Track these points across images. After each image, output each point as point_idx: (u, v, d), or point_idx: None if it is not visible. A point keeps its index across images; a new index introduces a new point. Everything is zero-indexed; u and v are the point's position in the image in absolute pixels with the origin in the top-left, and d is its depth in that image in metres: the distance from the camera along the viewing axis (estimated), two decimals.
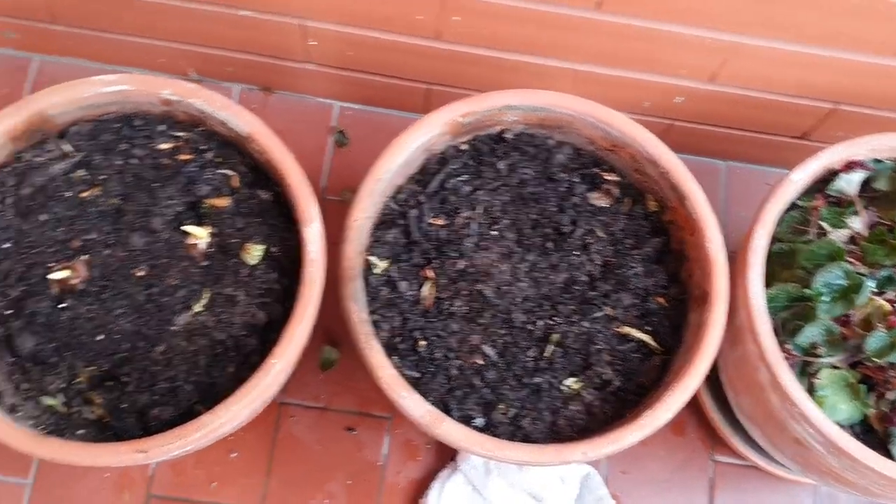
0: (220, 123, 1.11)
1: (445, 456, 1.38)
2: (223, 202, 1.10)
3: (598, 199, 1.18)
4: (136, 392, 1.02)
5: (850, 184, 1.14)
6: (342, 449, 1.38)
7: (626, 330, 1.12)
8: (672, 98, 1.38)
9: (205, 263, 1.09)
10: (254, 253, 1.07)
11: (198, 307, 1.06)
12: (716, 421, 1.36)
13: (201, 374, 1.04)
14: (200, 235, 1.09)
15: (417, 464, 1.39)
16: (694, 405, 1.42)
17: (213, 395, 1.03)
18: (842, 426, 1.07)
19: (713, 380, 1.32)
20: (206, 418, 0.96)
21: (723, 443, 1.41)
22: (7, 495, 1.32)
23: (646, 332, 1.12)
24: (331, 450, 1.38)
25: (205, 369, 1.04)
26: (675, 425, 1.45)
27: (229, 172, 1.13)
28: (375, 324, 1.10)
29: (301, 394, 1.40)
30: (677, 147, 1.53)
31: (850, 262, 1.10)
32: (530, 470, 1.32)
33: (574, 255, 1.15)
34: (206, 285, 1.07)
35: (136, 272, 1.08)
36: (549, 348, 1.10)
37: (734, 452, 1.40)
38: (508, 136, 1.20)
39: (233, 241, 1.09)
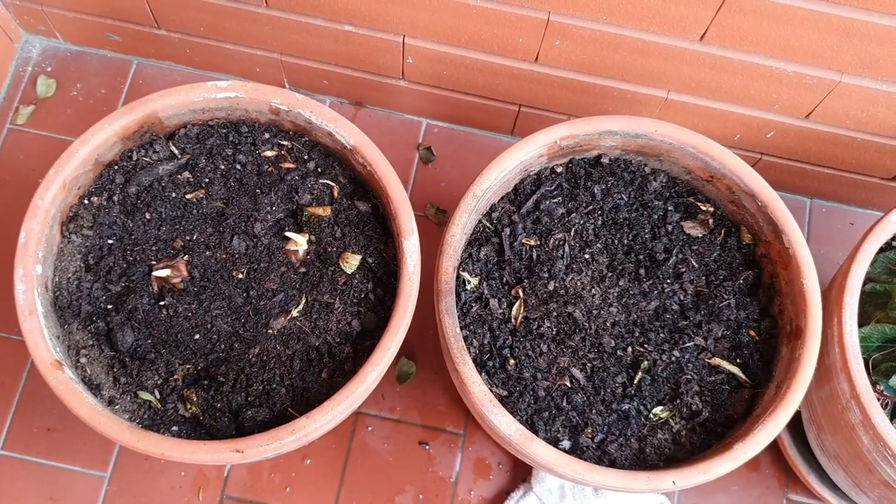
0: (327, 135, 1.14)
1: (518, 477, 1.38)
2: (324, 211, 1.13)
3: (693, 229, 1.18)
4: (231, 392, 1.04)
5: None
6: (415, 462, 1.39)
7: (717, 361, 1.11)
8: (764, 133, 1.38)
9: (303, 270, 1.11)
10: (351, 262, 1.09)
11: (295, 312, 1.08)
12: (793, 458, 1.35)
13: (295, 379, 1.06)
14: (300, 242, 1.11)
15: (489, 483, 1.39)
16: (771, 442, 1.41)
17: (305, 399, 1.05)
18: None
19: (793, 417, 1.30)
20: (302, 422, 0.98)
21: (798, 481, 1.39)
22: (85, 486, 1.35)
23: (736, 364, 1.11)
24: (404, 462, 1.39)
25: (299, 374, 1.06)
26: (751, 461, 1.43)
27: (330, 182, 1.15)
28: (465, 339, 1.11)
29: (377, 405, 1.42)
30: None
31: None
32: (606, 496, 1.31)
33: (667, 283, 1.15)
34: (303, 291, 1.10)
35: (236, 274, 1.10)
36: (639, 375, 1.10)
37: (810, 492, 1.38)
38: (605, 160, 1.21)
39: (331, 249, 1.11)
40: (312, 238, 1.12)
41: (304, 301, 1.09)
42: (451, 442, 1.41)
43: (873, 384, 1.08)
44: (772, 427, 1.02)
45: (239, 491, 1.36)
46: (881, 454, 1.03)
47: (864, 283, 1.16)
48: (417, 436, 1.41)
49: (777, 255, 1.13)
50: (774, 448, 1.40)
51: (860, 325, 1.11)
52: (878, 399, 1.06)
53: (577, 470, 1.00)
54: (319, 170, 1.17)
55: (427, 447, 1.40)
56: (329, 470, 1.38)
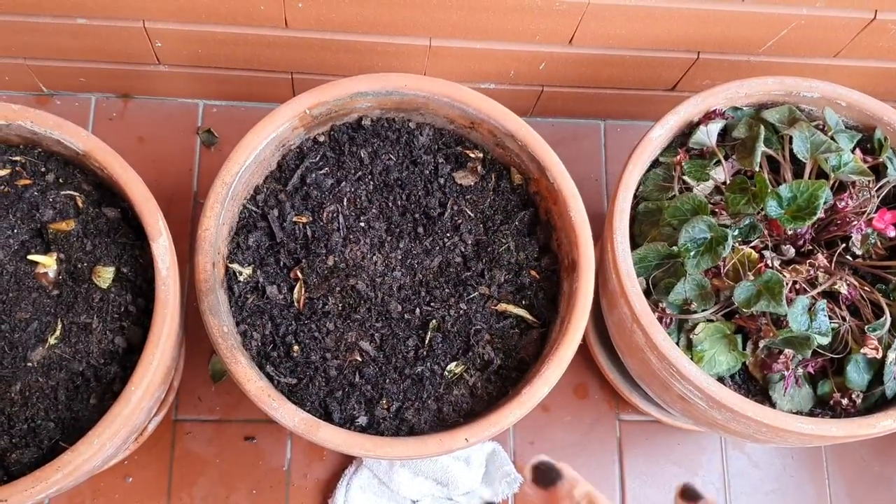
0: (56, 143, 1.05)
1: None
2: (68, 225, 1.05)
3: (464, 178, 1.15)
4: None
5: (708, 135, 1.14)
6: (243, 459, 1.35)
7: (503, 307, 1.10)
8: (536, 65, 1.36)
9: (56, 292, 1.03)
10: (104, 276, 1.02)
11: (52, 339, 1.01)
12: (615, 382, 1.36)
13: (62, 410, 0.99)
14: (48, 263, 1.03)
15: (323, 464, 1.36)
16: (594, 367, 1.42)
17: (77, 430, 0.98)
18: (723, 377, 1.08)
19: (608, 341, 1.31)
20: (66, 457, 0.91)
21: (626, 402, 1.41)
22: None
23: (522, 306, 1.11)
24: (231, 461, 1.34)
25: (65, 404, 0.99)
26: (578, 389, 1.45)
27: (73, 193, 1.07)
28: (244, 334, 1.06)
29: (195, 409, 1.36)
30: (552, 111, 1.53)
31: (717, 214, 1.10)
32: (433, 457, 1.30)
33: (446, 237, 1.13)
34: (58, 315, 1.02)
35: None
36: (429, 335, 1.08)
37: (637, 410, 1.41)
38: (366, 122, 1.16)
39: (82, 265, 1.04)
40: (62, 256, 1.04)
41: (60, 326, 1.01)
42: (278, 431, 1.37)
43: (656, 303, 1.09)
44: (557, 365, 1.02)
45: None
46: (668, 372, 1.05)
47: (640, 204, 1.17)
48: (242, 432, 1.36)
49: (546, 191, 1.12)
50: (599, 374, 1.42)
51: (639, 247, 1.11)
52: (664, 317, 1.07)
53: (368, 446, 0.97)
54: (60, 181, 1.08)
55: (254, 441, 1.36)
56: (154, 484, 1.32)
